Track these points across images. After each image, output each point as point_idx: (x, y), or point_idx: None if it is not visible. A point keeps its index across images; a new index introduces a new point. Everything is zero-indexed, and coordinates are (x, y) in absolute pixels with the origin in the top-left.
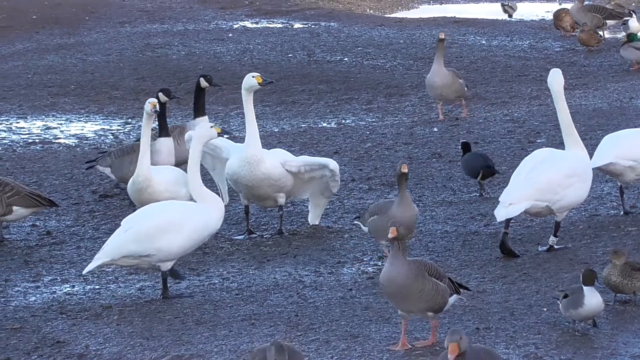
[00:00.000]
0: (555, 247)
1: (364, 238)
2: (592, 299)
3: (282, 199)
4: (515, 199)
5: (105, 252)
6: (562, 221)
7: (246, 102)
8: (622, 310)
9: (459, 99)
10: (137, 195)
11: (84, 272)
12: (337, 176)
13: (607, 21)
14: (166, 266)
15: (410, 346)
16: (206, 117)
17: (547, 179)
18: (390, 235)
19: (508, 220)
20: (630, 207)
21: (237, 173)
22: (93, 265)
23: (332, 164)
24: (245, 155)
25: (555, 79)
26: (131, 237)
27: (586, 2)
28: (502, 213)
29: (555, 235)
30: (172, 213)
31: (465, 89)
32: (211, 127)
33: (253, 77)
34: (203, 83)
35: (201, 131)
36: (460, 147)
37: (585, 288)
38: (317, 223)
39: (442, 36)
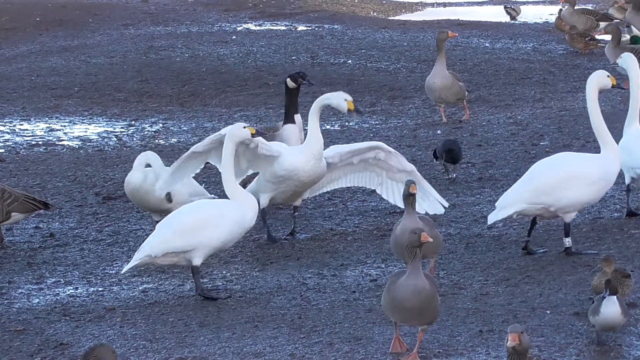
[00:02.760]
0: (574, 250)
1: (367, 240)
2: (608, 308)
3: (301, 198)
4: (506, 202)
5: (147, 249)
6: (571, 222)
7: (315, 114)
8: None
9: (459, 102)
10: (134, 194)
11: (122, 272)
12: (391, 150)
13: (600, 23)
14: (198, 261)
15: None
16: (298, 115)
17: (539, 181)
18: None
19: (531, 227)
20: (636, 209)
21: (299, 169)
22: (132, 263)
23: (379, 143)
24: (313, 151)
25: (592, 81)
26: (174, 232)
27: (577, 6)
28: (491, 216)
29: (567, 236)
30: (211, 208)
31: (466, 92)
32: (244, 127)
33: (346, 100)
34: (290, 83)
35: (234, 131)
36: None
37: (608, 297)
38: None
39: (451, 35)
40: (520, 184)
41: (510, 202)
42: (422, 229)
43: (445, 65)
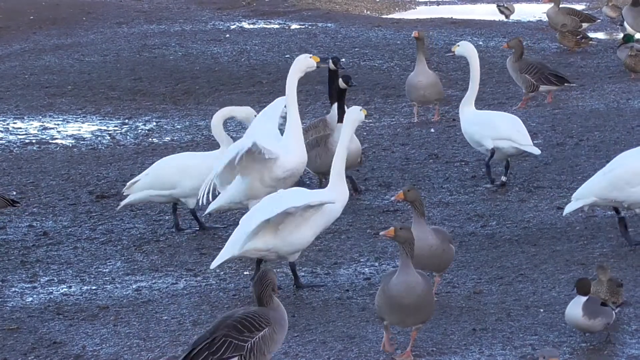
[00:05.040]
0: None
1: (360, 239)
2: (570, 310)
3: None
4: (580, 194)
5: (238, 246)
6: None
7: (291, 88)
8: (619, 311)
9: (436, 102)
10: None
11: (212, 267)
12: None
13: (583, 24)
14: (294, 257)
15: (412, 358)
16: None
17: (611, 176)
18: (387, 235)
19: (620, 224)
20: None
21: (299, 163)
22: (222, 258)
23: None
24: (300, 140)
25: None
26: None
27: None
28: (567, 207)
29: None
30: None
31: (443, 92)
32: (360, 109)
33: (310, 57)
34: (342, 84)
35: (353, 115)
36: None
37: (577, 297)
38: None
39: (415, 35)
40: (597, 176)
41: (584, 195)
42: (408, 227)
43: (426, 62)
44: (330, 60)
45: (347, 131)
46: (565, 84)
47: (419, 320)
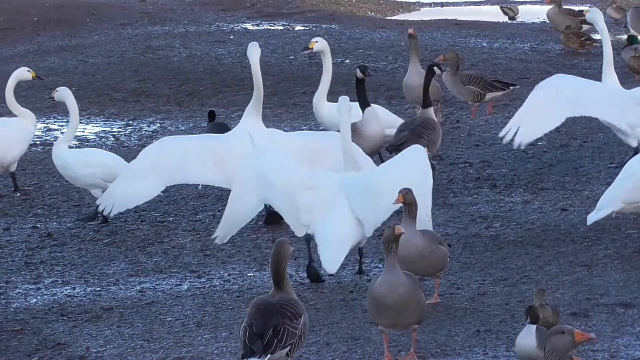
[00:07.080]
0: None
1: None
2: (522, 339)
3: None
4: (604, 203)
5: None
6: None
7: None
8: (623, 312)
9: (436, 103)
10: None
11: (332, 272)
12: None
13: (583, 25)
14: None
15: (416, 359)
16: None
17: (637, 178)
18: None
19: None
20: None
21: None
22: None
23: None
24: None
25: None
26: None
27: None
28: (590, 216)
29: None
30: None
31: (441, 92)
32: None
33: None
34: (359, 74)
35: (347, 105)
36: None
37: (527, 326)
38: None
39: (411, 32)
40: (616, 183)
41: (609, 203)
42: (397, 223)
43: (418, 62)
44: (358, 69)
45: (346, 120)
46: (511, 87)
47: (410, 321)
